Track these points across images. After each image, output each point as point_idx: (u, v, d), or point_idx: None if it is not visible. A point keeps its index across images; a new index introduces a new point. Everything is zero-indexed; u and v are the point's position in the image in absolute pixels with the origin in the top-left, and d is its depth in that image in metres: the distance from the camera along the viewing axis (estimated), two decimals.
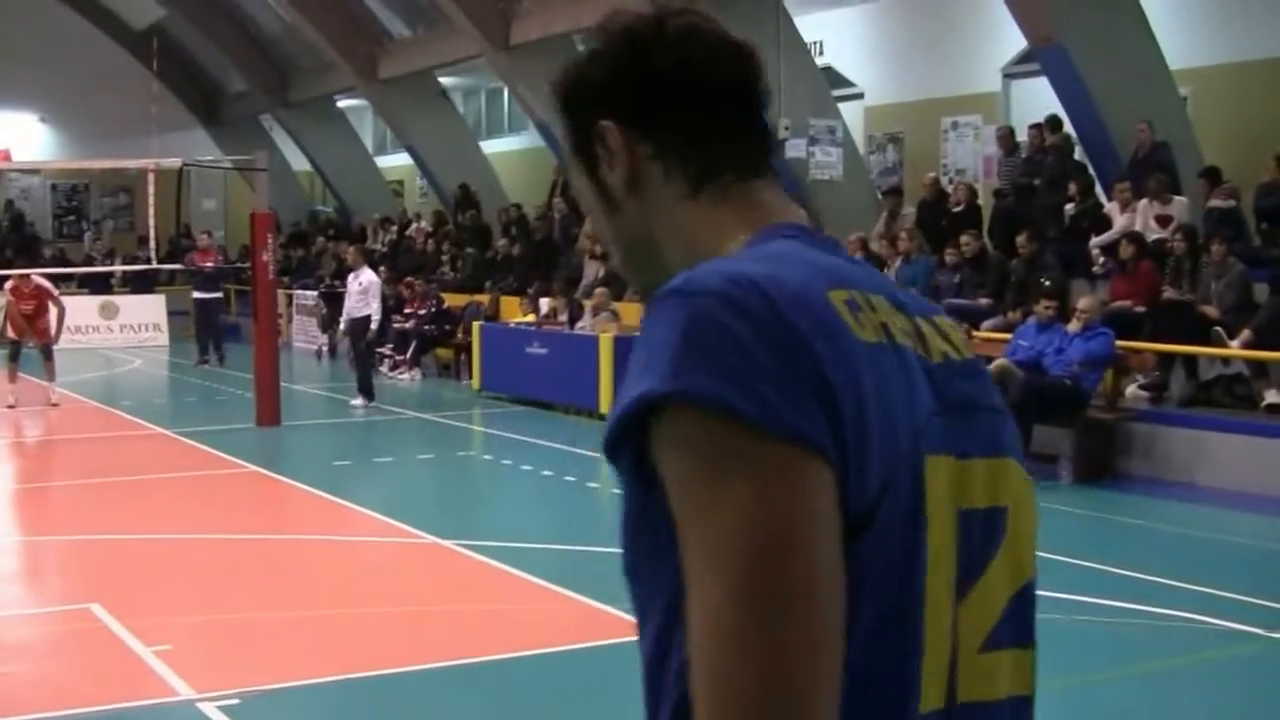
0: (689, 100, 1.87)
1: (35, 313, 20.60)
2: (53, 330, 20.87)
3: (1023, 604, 1.85)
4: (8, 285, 21.19)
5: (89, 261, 35.38)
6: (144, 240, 31.47)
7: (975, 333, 16.36)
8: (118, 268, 34.07)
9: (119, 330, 32.03)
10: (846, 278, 1.70)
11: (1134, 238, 16.04)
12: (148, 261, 27.69)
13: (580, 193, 1.98)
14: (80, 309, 31.77)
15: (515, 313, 23.40)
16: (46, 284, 21.17)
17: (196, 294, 27.61)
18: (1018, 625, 1.85)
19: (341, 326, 21.92)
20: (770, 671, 1.49)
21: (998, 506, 1.79)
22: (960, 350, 1.80)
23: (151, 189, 23.51)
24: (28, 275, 21.20)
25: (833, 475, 1.54)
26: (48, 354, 20.85)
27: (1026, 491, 1.85)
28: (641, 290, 1.90)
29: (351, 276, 21.11)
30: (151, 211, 23.70)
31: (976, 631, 1.77)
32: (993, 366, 14.33)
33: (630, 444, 1.59)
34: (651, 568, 1.65)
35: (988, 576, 1.77)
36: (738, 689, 1.49)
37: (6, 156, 33.10)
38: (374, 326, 20.43)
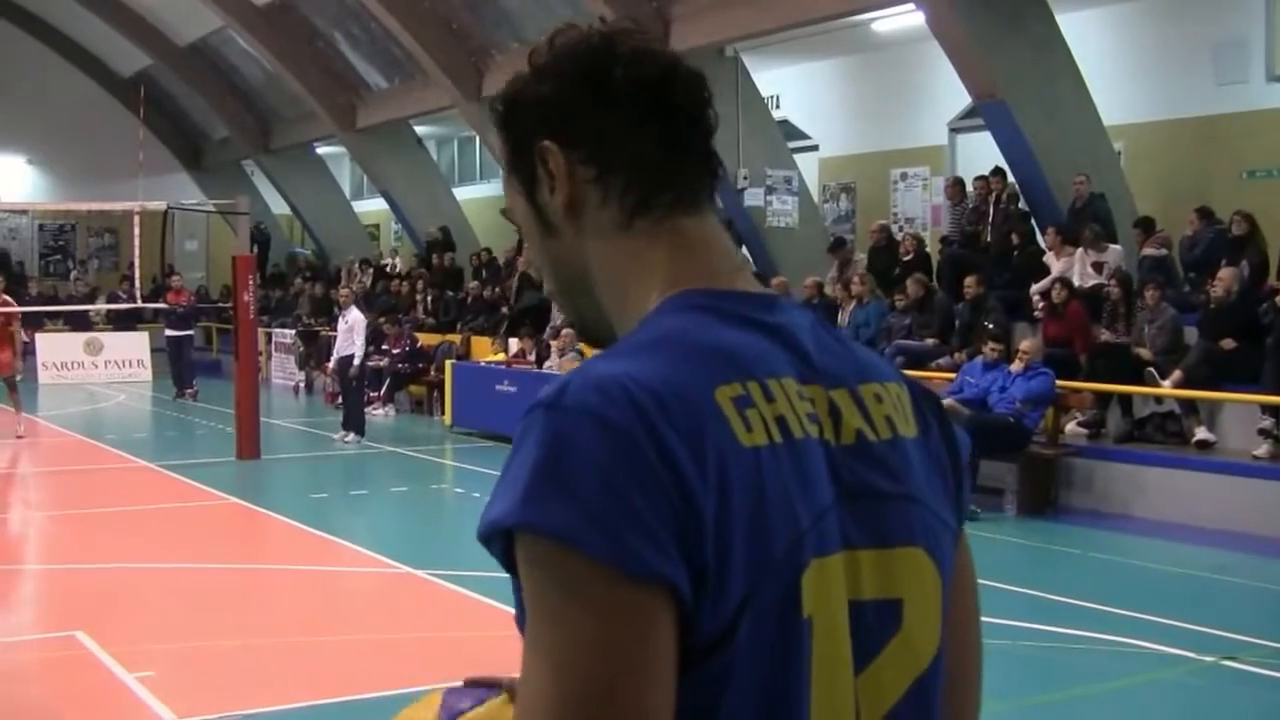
0: (637, 124, 1.76)
1: (1, 342, 20.48)
2: (15, 361, 20.85)
3: (922, 694, 1.75)
4: None
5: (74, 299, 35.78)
6: (128, 279, 31.87)
7: (925, 372, 16.74)
8: (102, 306, 34.19)
9: (103, 366, 32.20)
10: (747, 364, 1.62)
11: (1064, 282, 16.43)
12: (132, 300, 28.19)
13: (515, 214, 1.86)
14: (65, 345, 32.30)
15: (485, 352, 23.84)
16: (13, 309, 21.22)
17: (170, 331, 28.10)
18: (920, 713, 1.76)
19: (331, 365, 22.23)
20: None
21: (890, 599, 1.70)
22: (885, 426, 1.72)
23: (137, 230, 23.69)
24: None
25: (676, 612, 1.49)
26: (11, 385, 20.79)
27: (931, 581, 1.76)
28: (573, 322, 1.89)
29: (340, 316, 21.41)
30: (137, 252, 24.02)
31: (872, 714, 1.69)
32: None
33: (496, 547, 1.55)
34: None
35: (879, 664, 1.70)
36: None
37: None
38: (357, 364, 20.55)
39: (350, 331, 20.82)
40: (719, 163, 1.85)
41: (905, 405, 1.78)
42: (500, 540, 1.54)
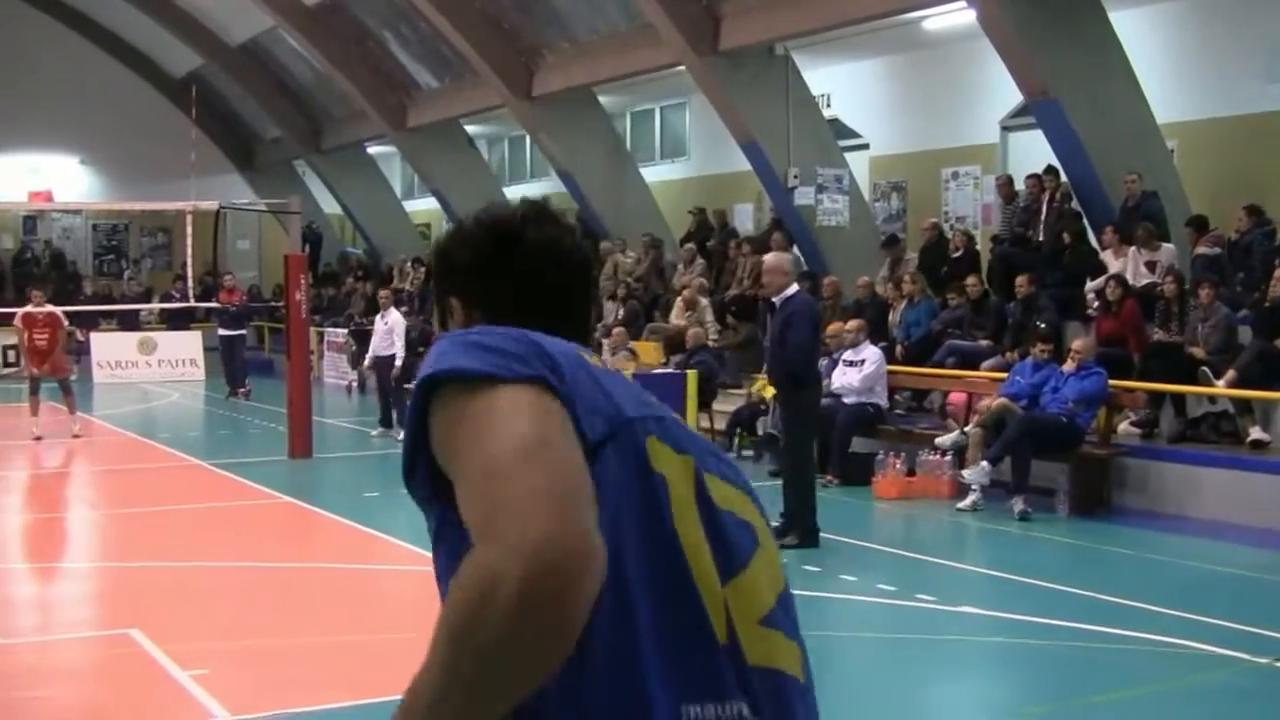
0: (525, 300, 2.35)
1: (49, 345, 20.73)
2: (66, 361, 21.24)
3: (787, 605, 2.24)
4: (20, 314, 21.27)
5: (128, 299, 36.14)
6: (181, 279, 32.18)
7: (976, 372, 17.03)
8: (156, 305, 34.69)
9: (156, 365, 32.50)
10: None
11: (1119, 280, 16.41)
12: (185, 299, 28.45)
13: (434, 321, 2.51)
14: (119, 345, 32.65)
15: None
16: (58, 312, 21.42)
17: (222, 331, 28.30)
18: (787, 621, 2.22)
19: (367, 363, 22.41)
20: (541, 473, 1.86)
21: (744, 520, 2.24)
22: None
23: (189, 230, 23.95)
24: (41, 304, 21.24)
25: (560, 402, 2.03)
26: (65, 387, 21.19)
27: (761, 524, 2.31)
28: None
29: (380, 316, 21.59)
30: (189, 251, 24.24)
31: (753, 607, 2.14)
32: (993, 405, 14.87)
33: (421, 462, 2.08)
34: (440, 540, 2.12)
35: (752, 570, 2.18)
36: (519, 492, 1.84)
37: (49, 197, 33.91)
38: (399, 364, 20.64)
39: (390, 332, 21.02)
40: (590, 334, 2.48)
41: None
42: (421, 400, 2.06)
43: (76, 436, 21.04)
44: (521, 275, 2.38)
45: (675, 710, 2.03)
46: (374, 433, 21.12)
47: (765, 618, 2.16)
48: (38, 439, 20.55)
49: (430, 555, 2.17)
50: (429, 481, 2.08)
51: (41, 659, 9.17)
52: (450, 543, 2.03)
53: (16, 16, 37.92)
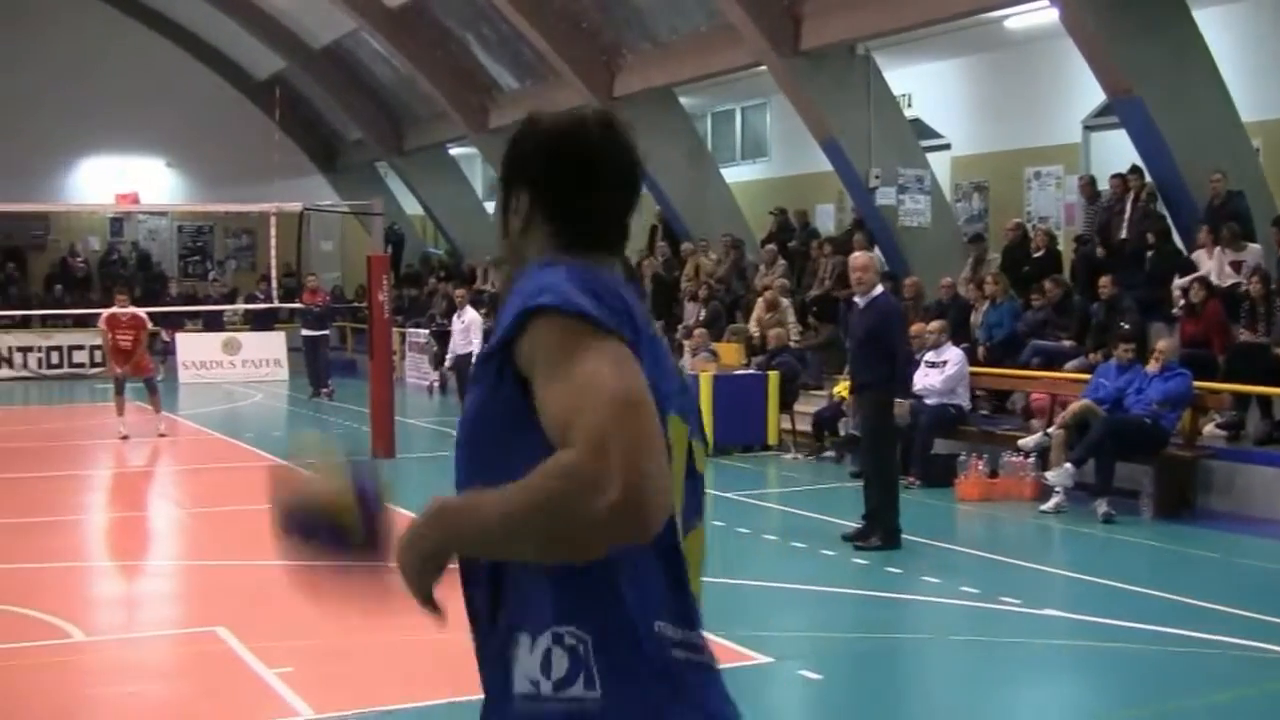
0: (596, 212, 2.70)
1: (133, 345, 20.96)
2: (149, 361, 21.58)
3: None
4: (104, 315, 21.51)
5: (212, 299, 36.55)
6: (265, 280, 32.50)
7: (1059, 373, 16.95)
8: (240, 306, 35.15)
9: (241, 365, 32.82)
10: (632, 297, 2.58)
11: (1203, 281, 16.25)
12: (269, 300, 28.74)
13: (496, 213, 2.80)
14: (204, 345, 33.04)
15: None
16: (142, 314, 21.67)
17: (305, 331, 28.57)
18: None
19: (448, 363, 22.45)
20: (648, 433, 2.30)
21: (701, 479, 2.78)
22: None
23: (273, 231, 24.17)
24: (126, 306, 21.44)
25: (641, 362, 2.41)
26: (151, 387, 21.46)
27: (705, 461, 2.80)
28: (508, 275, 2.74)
29: (456, 315, 21.71)
30: (273, 253, 24.47)
31: (698, 555, 2.80)
32: (1077, 406, 14.79)
33: (501, 351, 2.48)
34: (499, 443, 2.52)
35: (698, 530, 2.81)
36: (629, 435, 2.28)
37: (135, 199, 34.33)
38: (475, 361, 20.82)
39: (467, 330, 21.24)
40: (628, 236, 2.82)
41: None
42: (502, 347, 2.48)
43: (162, 435, 21.30)
44: (600, 190, 2.73)
45: (651, 625, 2.55)
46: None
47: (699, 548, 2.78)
48: (124, 438, 20.78)
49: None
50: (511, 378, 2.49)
51: (129, 655, 9.27)
52: (519, 425, 2.47)
53: (104, 22, 38.45)
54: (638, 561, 2.50)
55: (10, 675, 8.61)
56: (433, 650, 9.04)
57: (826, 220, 26.72)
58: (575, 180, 2.70)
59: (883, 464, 12.70)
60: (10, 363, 33.23)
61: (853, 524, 12.71)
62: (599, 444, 2.26)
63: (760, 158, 29.41)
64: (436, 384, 29.58)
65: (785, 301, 21.88)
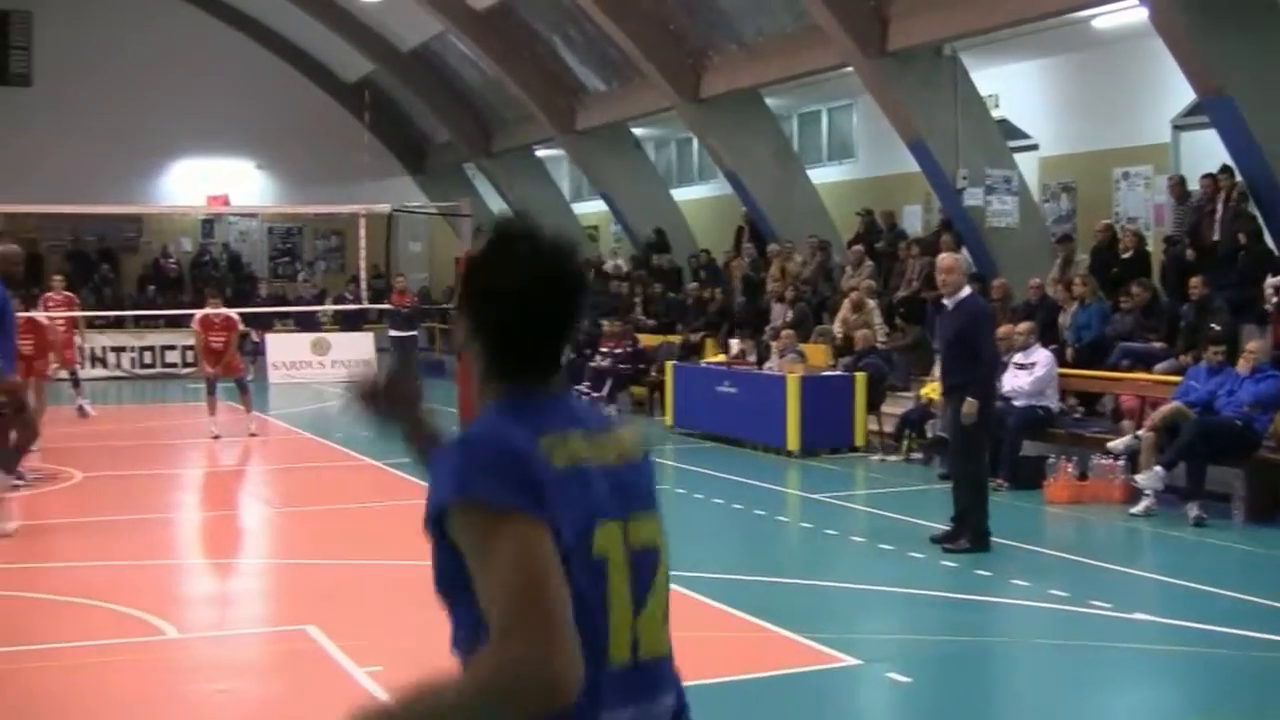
0: (511, 338, 2.90)
1: (225, 346, 21.29)
2: (240, 361, 21.90)
3: (666, 618, 3.03)
4: (198, 316, 21.82)
5: (302, 300, 36.90)
6: (354, 281, 32.86)
7: (1149, 375, 16.84)
8: (330, 306, 35.52)
9: (330, 365, 33.07)
10: (550, 425, 2.82)
11: None
12: (358, 301, 28.98)
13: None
14: (294, 345, 33.37)
15: (707, 353, 24.10)
16: (236, 317, 21.97)
17: (394, 332, 28.86)
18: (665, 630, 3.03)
19: None
20: (545, 613, 2.61)
21: (652, 548, 2.99)
22: (628, 452, 2.99)
23: (363, 233, 24.36)
24: (219, 308, 21.79)
25: (549, 532, 2.69)
26: (242, 387, 21.71)
27: (662, 536, 3.05)
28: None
29: None
30: (363, 254, 24.64)
31: (653, 632, 2.95)
32: (1167, 409, 14.70)
33: (436, 524, 2.76)
34: (455, 594, 2.82)
35: (655, 591, 2.97)
36: (529, 622, 2.59)
37: (225, 201, 34.82)
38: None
39: None
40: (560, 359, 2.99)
41: (633, 443, 3.04)
42: (437, 519, 2.75)
43: (253, 435, 21.55)
44: (526, 320, 2.90)
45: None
46: None
47: (661, 626, 3.01)
48: (215, 438, 21.03)
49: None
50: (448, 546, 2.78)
51: (220, 653, 9.38)
52: (467, 627, 2.83)
53: (195, 25, 38.93)
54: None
55: (104, 671, 8.72)
56: None
57: (913, 221, 26.63)
58: (495, 313, 2.90)
59: (972, 466, 12.68)
60: (104, 362, 33.67)
61: (941, 526, 12.70)
62: (511, 629, 2.60)
63: (846, 159, 29.34)
64: None
65: (871, 303, 21.84)
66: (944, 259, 13.21)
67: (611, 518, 2.87)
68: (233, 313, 22.11)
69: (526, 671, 2.58)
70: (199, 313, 21.98)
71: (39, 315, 20.20)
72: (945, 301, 12.77)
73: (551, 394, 2.95)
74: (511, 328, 2.88)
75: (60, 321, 22.42)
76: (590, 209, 38.01)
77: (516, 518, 2.68)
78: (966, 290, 12.66)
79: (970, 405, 12.28)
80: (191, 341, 24.92)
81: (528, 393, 2.90)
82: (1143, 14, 18.26)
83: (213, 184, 37.25)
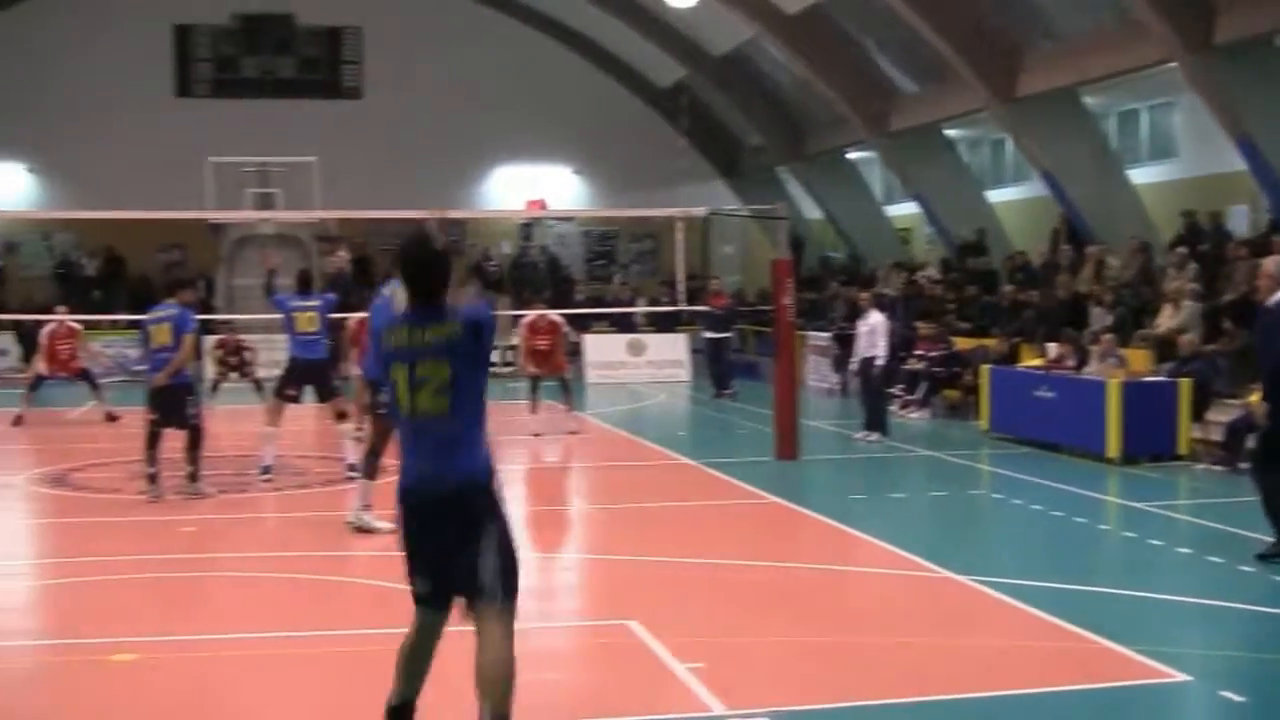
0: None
1: (550, 348, 22.24)
2: (564, 361, 22.61)
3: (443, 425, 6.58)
4: (524, 323, 22.82)
5: (618, 303, 37.56)
6: (668, 283, 33.33)
7: None
8: (644, 308, 36.05)
9: (645, 366, 33.88)
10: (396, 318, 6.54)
11: None
12: (673, 302, 29.36)
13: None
14: (610, 346, 34.14)
15: (1023, 356, 23.80)
16: (561, 320, 22.81)
17: (708, 333, 29.24)
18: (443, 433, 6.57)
19: (853, 366, 22.62)
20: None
21: (424, 377, 6.43)
22: (432, 335, 6.42)
23: (679, 236, 24.69)
24: (544, 313, 22.86)
25: None
26: (565, 386, 22.59)
27: (444, 370, 6.42)
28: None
29: (860, 319, 21.82)
30: (680, 257, 24.98)
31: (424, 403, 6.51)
32: None
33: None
34: (475, 382, 6.54)
35: (419, 394, 6.46)
36: None
37: (542, 205, 35.63)
38: (880, 364, 21.03)
39: (872, 334, 21.26)
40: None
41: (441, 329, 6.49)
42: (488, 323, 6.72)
43: (573, 433, 22.10)
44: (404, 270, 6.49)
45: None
46: (857, 435, 21.43)
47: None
48: (536, 435, 21.68)
49: None
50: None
51: (545, 644, 9.53)
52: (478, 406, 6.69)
53: (514, 37, 40.08)
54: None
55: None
56: (840, 653, 9.28)
57: (1240, 222, 25.80)
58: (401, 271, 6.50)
59: (1273, 477, 12.21)
60: None
61: (1271, 539, 12.29)
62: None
63: (1168, 158, 28.58)
64: (837, 386, 29.67)
65: (1194, 306, 21.27)
66: (1267, 262, 12.80)
67: (399, 361, 6.44)
68: (558, 315, 22.93)
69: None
70: (526, 319, 22.84)
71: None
72: (1269, 304, 12.35)
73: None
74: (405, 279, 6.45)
75: None
76: (902, 211, 37.78)
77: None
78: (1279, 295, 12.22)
79: (1260, 408, 11.88)
80: (514, 342, 25.60)
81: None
82: None
83: (531, 189, 38.26)
